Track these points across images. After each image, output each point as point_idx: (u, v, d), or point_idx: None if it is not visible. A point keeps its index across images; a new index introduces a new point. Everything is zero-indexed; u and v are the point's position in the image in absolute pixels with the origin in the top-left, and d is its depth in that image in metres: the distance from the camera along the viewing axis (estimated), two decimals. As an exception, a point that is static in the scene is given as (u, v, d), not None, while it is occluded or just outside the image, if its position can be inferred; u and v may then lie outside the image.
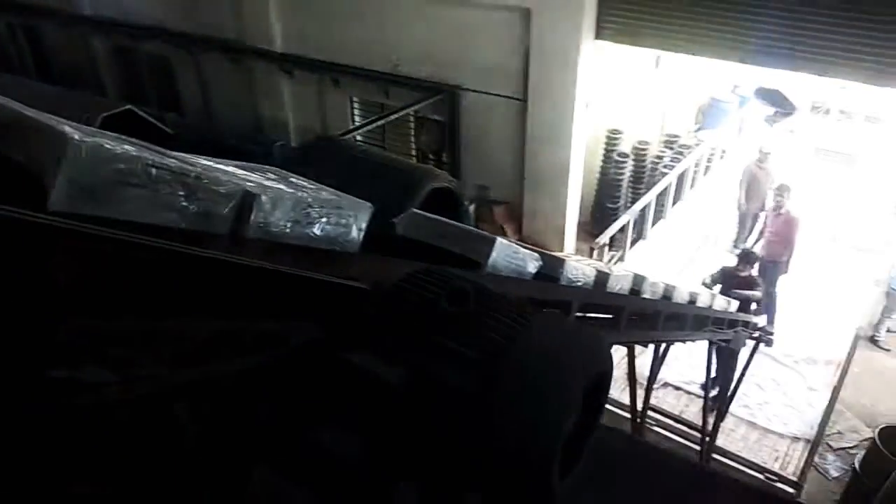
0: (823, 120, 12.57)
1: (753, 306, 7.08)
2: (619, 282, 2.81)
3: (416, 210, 1.92)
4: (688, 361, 7.70)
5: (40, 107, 0.94)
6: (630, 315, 2.85)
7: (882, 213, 10.24)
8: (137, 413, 0.92)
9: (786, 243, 8.30)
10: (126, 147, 0.85)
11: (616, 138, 9.42)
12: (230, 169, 1.15)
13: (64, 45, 11.87)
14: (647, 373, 5.05)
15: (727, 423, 6.84)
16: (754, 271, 7.47)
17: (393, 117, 8.29)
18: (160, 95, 10.92)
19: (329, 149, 3.03)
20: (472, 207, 8.42)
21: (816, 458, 6.31)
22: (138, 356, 0.88)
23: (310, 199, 1.21)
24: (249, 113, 10.51)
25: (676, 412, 7.05)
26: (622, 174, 9.40)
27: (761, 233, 8.90)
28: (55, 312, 0.74)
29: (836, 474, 6.50)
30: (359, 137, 8.30)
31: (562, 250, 8.39)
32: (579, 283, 2.38)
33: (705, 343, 5.51)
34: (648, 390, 5.13)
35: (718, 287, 6.97)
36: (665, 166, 9.22)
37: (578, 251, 8.65)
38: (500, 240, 1.84)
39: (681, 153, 9.51)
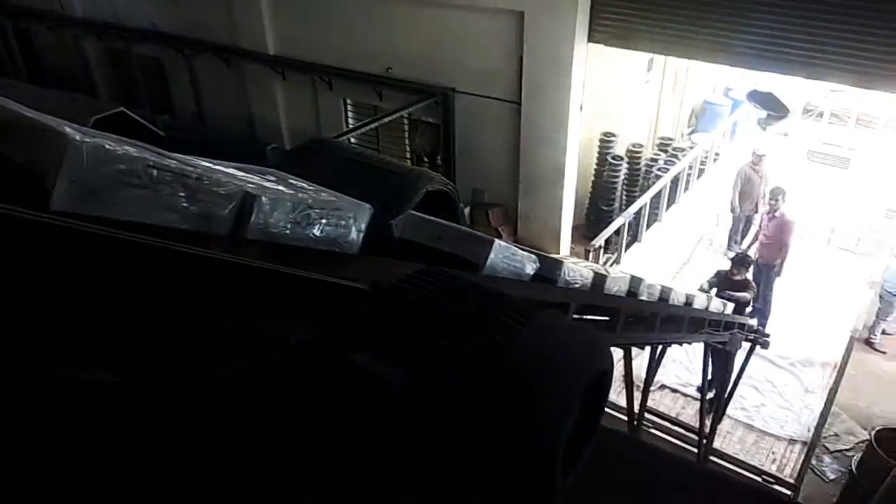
0: (816, 123, 12.64)
1: (749, 308, 7.11)
2: (616, 283, 2.81)
3: (413, 212, 1.92)
4: (684, 364, 7.72)
5: (32, 109, 0.94)
6: (627, 317, 2.85)
7: (875, 216, 10.30)
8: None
9: (779, 246, 8.34)
10: (127, 148, 0.85)
11: (610, 141, 9.45)
12: (230, 170, 1.15)
13: (55, 48, 11.83)
14: (643, 375, 5.06)
15: (724, 425, 6.85)
16: (749, 275, 7.50)
17: (387, 120, 8.29)
18: (152, 98, 10.90)
19: (323, 151, 3.02)
20: (467, 210, 8.43)
21: (813, 461, 6.32)
22: (138, 356, 0.88)
23: (310, 201, 1.21)
24: (242, 115, 10.50)
25: (673, 414, 7.07)
26: (616, 177, 9.43)
27: (756, 236, 8.94)
28: (57, 310, 0.74)
29: (832, 476, 6.52)
30: (353, 140, 8.30)
31: (557, 253, 8.40)
32: (577, 285, 2.38)
33: (701, 345, 5.52)
34: (645, 392, 5.14)
35: (715, 291, 6.99)
36: (659, 169, 9.26)
37: (573, 254, 8.67)
38: (497, 241, 1.84)
39: (675, 156, 9.56)
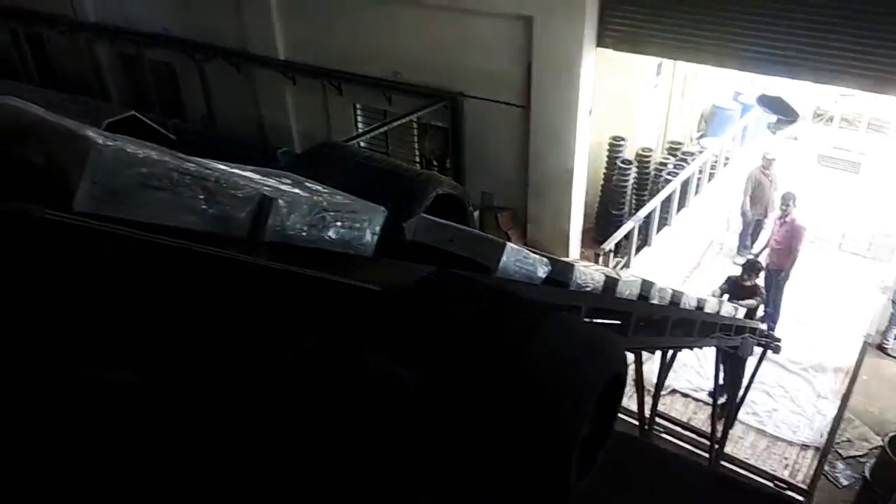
0: (826, 127, 12.57)
1: (760, 312, 7.06)
2: (628, 287, 2.80)
3: (425, 215, 1.92)
4: (696, 368, 7.68)
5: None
6: (638, 320, 2.85)
7: (887, 220, 10.22)
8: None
9: (788, 251, 8.29)
10: (148, 151, 0.86)
11: (619, 145, 9.43)
12: (247, 174, 1.16)
13: (68, 52, 11.94)
14: (654, 379, 5.03)
15: (736, 430, 6.81)
16: (760, 280, 7.46)
17: (396, 124, 8.31)
18: (163, 102, 10.97)
19: (333, 155, 3.03)
20: (476, 213, 8.43)
21: (826, 467, 6.27)
22: (158, 356, 0.88)
23: (325, 204, 1.22)
24: (253, 119, 10.56)
25: (684, 419, 7.03)
26: (626, 181, 9.40)
27: (768, 241, 8.89)
28: (77, 308, 0.75)
29: (846, 482, 6.45)
30: (362, 144, 8.32)
31: (566, 257, 8.39)
32: (588, 288, 2.38)
33: (713, 350, 5.50)
34: (656, 397, 5.11)
35: (726, 297, 6.95)
36: (669, 173, 9.23)
37: (583, 258, 8.65)
38: (510, 245, 1.84)
39: (684, 160, 9.52)
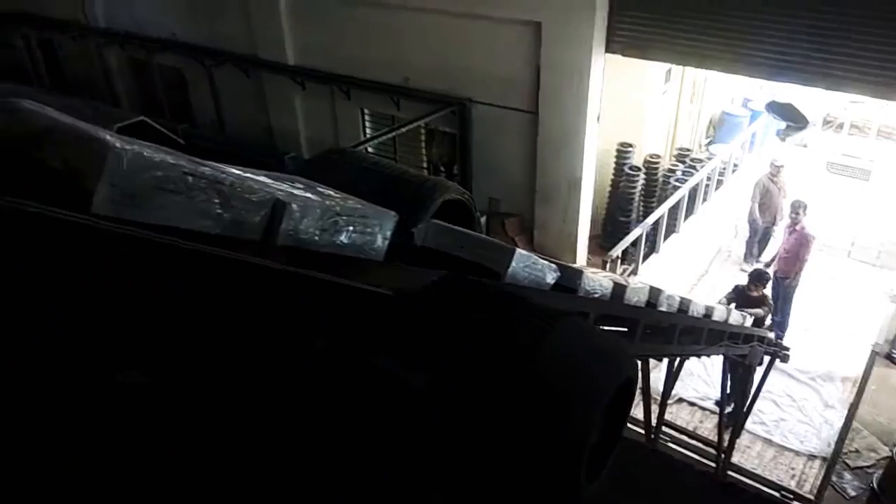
0: (836, 134, 12.51)
1: (768, 321, 7.02)
2: (636, 294, 2.80)
3: (434, 220, 1.92)
4: (703, 377, 7.64)
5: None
6: (646, 327, 2.84)
7: (896, 228, 10.16)
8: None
9: (796, 259, 8.26)
10: (164, 155, 0.87)
11: (627, 152, 9.42)
12: (261, 178, 1.17)
13: (78, 57, 12.04)
14: (661, 388, 5.01)
15: (743, 439, 6.76)
16: (767, 290, 7.42)
17: (404, 129, 8.34)
18: (173, 107, 11.05)
19: (340, 160, 3.04)
20: (483, 219, 8.43)
21: (834, 477, 6.22)
22: (171, 357, 0.89)
23: (337, 208, 1.22)
24: (261, 125, 10.61)
25: (691, 428, 6.98)
26: (634, 188, 9.39)
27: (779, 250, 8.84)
28: (90, 309, 0.75)
29: (853, 493, 6.40)
30: (370, 149, 8.35)
31: (574, 263, 8.37)
32: (597, 295, 2.37)
33: (720, 358, 5.47)
34: (663, 405, 5.09)
35: (733, 306, 6.91)
36: (677, 180, 9.21)
37: (590, 264, 8.64)
38: (519, 250, 1.84)
39: (692, 167, 9.50)
